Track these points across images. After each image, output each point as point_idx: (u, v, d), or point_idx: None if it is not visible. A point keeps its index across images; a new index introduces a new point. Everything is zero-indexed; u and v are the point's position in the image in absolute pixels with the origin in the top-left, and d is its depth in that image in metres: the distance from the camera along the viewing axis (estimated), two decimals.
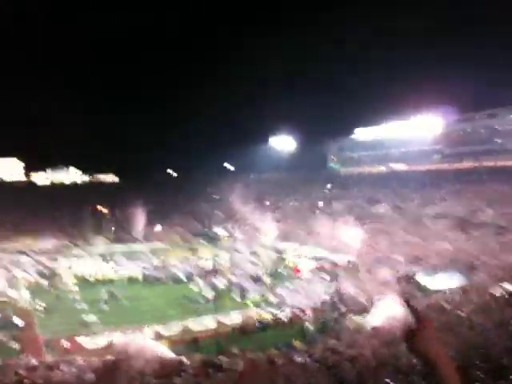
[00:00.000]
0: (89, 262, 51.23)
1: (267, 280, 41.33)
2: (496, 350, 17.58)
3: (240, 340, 27.26)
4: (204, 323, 30.90)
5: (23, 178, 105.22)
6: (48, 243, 63.24)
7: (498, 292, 26.40)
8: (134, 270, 46.86)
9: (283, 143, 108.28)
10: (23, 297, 37.60)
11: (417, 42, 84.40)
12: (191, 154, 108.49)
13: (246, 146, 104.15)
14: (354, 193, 71.87)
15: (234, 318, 31.71)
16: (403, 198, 62.59)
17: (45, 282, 43.18)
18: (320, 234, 48.70)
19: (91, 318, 32.79)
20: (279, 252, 52.33)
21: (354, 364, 19.23)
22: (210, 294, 36.74)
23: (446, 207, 54.16)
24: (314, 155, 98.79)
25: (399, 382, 16.37)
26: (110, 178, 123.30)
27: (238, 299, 36.89)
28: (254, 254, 52.82)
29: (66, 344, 27.05)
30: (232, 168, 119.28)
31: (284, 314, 32.14)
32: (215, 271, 43.54)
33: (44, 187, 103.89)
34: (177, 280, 44.00)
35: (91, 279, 44.71)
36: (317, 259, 46.25)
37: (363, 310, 29.83)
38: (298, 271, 42.98)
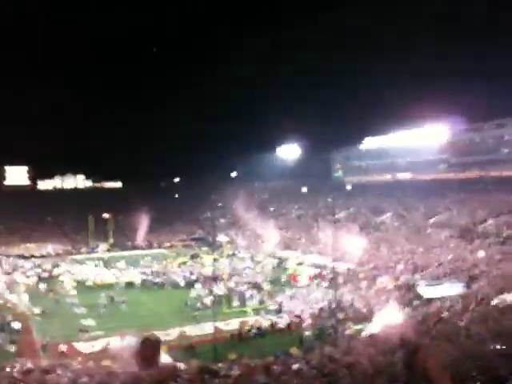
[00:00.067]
0: (90, 267, 51.37)
1: (267, 287, 41.20)
2: (494, 360, 17.35)
3: (237, 346, 27.18)
4: (202, 329, 30.77)
5: (28, 184, 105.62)
6: (50, 248, 63.50)
7: (497, 302, 26.14)
8: (135, 275, 46.97)
9: (289, 151, 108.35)
10: (22, 301, 37.66)
11: (425, 50, 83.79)
12: (196, 162, 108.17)
13: (251, 154, 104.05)
14: (358, 202, 71.67)
15: (232, 325, 31.58)
16: (407, 207, 62.36)
17: (44, 287, 43.33)
18: (322, 243, 48.55)
19: (90, 322, 32.80)
20: (280, 259, 52.23)
21: (351, 371, 19.04)
22: (209, 301, 36.64)
23: (450, 216, 53.92)
24: (320, 164, 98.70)
25: None
26: (115, 184, 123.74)
27: (238, 306, 36.78)
28: (255, 261, 52.75)
29: (63, 348, 27.02)
30: (237, 175, 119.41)
31: (282, 321, 32.00)
32: (215, 277, 43.47)
33: (49, 192, 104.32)
34: (176, 286, 44.07)
35: (91, 284, 44.80)
36: (317, 267, 46.10)
37: (362, 318, 29.65)
38: (296, 280, 42.73)
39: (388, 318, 26.64)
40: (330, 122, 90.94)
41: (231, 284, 41.87)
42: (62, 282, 44.93)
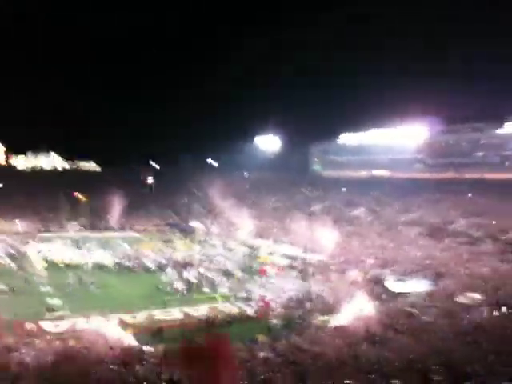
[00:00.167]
0: (60, 247, 50.54)
1: (238, 275, 41.26)
2: (457, 356, 17.76)
3: (206, 333, 27.16)
4: (171, 314, 30.70)
5: (2, 161, 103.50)
6: (21, 226, 62.29)
7: (462, 300, 26.73)
8: (106, 257, 46.32)
9: (268, 143, 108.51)
10: None
11: (407, 51, 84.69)
12: (175, 148, 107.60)
13: (231, 143, 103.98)
14: (333, 195, 72.24)
15: (201, 311, 31.59)
16: (381, 204, 63.16)
17: (14, 265, 42.54)
18: (295, 234, 48.74)
19: (57, 301, 32.35)
20: (252, 248, 52.33)
21: (316, 361, 19.28)
22: (180, 286, 36.51)
23: (422, 215, 54.76)
24: (298, 156, 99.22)
25: (359, 381, 16.47)
26: (91, 165, 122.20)
27: (208, 292, 36.79)
28: (227, 248, 52.72)
29: (28, 326, 26.63)
30: (215, 164, 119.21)
31: (251, 309, 32.14)
32: (187, 264, 43.25)
33: (22, 171, 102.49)
34: (148, 270, 43.71)
35: (61, 264, 44.11)
36: (288, 257, 46.35)
37: (330, 309, 29.96)
38: (264, 272, 42.73)
39: (355, 311, 27.01)
40: (311, 116, 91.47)
41: (202, 270, 41.75)
42: (32, 260, 44.20)
